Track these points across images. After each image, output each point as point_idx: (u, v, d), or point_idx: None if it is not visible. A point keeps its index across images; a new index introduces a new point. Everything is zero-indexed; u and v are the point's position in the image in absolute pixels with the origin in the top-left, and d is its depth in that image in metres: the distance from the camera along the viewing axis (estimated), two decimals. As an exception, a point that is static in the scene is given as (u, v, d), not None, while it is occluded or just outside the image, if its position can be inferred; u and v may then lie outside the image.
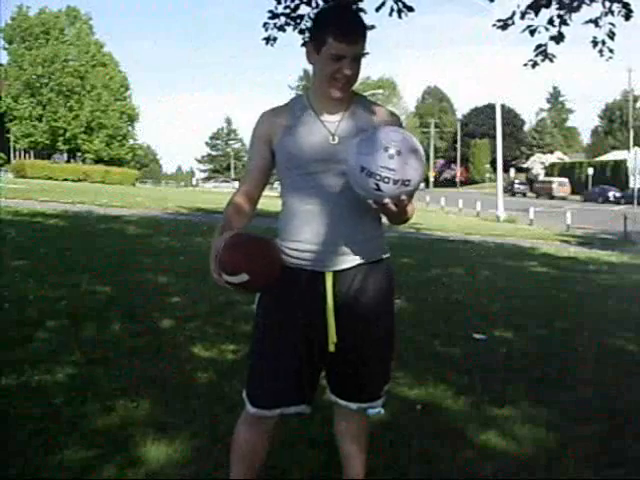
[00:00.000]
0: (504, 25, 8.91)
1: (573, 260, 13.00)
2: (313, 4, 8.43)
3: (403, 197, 2.00)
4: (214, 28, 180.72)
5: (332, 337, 2.20)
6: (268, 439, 2.34)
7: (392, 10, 8.03)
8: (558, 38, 8.62)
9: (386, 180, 1.95)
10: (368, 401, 2.36)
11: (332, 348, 2.21)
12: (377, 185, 1.96)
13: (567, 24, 8.56)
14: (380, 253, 2.29)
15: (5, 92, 51.99)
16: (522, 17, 8.65)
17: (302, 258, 2.19)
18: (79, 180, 42.73)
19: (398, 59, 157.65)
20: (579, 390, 4.16)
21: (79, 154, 57.48)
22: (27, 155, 54.36)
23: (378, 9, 8.02)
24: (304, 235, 2.19)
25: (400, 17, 8.05)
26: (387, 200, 1.99)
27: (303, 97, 2.31)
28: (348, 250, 2.20)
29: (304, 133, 2.21)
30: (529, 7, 8.53)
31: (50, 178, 40.63)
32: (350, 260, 2.20)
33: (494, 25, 9.03)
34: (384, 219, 2.24)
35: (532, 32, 8.53)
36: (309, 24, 8.57)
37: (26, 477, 2.67)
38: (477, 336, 5.43)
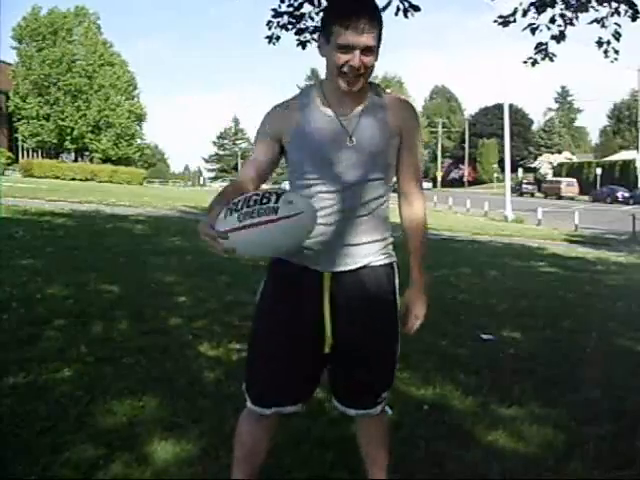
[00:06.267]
0: (505, 22, 8.89)
1: (581, 260, 12.95)
2: (315, 2, 8.41)
3: None
4: (222, 27, 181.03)
5: (328, 339, 2.16)
6: (271, 437, 2.32)
7: (398, 10, 8.01)
8: (559, 37, 8.62)
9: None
10: (365, 407, 2.31)
11: (327, 349, 2.17)
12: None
13: (573, 24, 8.55)
14: (384, 257, 2.24)
15: (13, 92, 52.15)
16: (524, 15, 8.64)
17: (304, 256, 2.16)
18: (87, 179, 42.82)
19: (406, 58, 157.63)
20: (587, 390, 4.14)
21: (87, 153, 57.59)
22: (35, 154, 54.51)
23: (384, 9, 7.99)
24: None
25: (406, 17, 8.02)
26: None
27: (314, 89, 2.19)
28: (350, 253, 2.16)
29: (318, 134, 2.12)
30: (533, 4, 8.52)
31: (58, 177, 40.73)
32: (350, 263, 2.16)
33: (495, 22, 9.02)
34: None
35: (533, 30, 8.53)
36: (308, 23, 8.58)
37: (33, 475, 2.67)
38: (485, 336, 5.42)
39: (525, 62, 9.11)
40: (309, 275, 2.16)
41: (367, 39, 1.99)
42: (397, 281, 2.30)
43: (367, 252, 2.18)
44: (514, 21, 8.77)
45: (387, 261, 2.25)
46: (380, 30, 2.04)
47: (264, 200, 1.89)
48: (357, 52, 1.99)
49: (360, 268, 2.18)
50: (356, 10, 1.98)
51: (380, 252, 2.22)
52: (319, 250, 2.14)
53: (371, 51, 2.01)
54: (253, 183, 2.18)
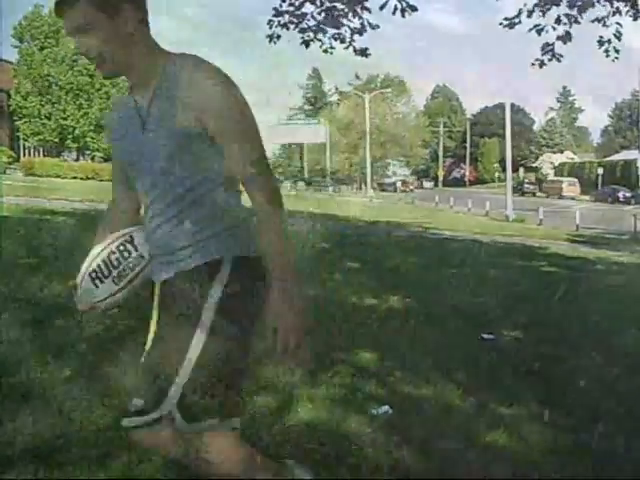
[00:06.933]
0: (511, 24, 8.92)
1: (582, 260, 12.95)
2: (317, 2, 8.43)
3: None
4: (223, 26, 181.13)
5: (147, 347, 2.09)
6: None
7: (395, 9, 8.03)
8: (565, 37, 8.63)
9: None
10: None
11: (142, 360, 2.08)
12: None
13: (578, 22, 8.57)
14: (209, 256, 1.87)
15: (15, 90, 52.16)
16: (529, 15, 8.67)
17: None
18: (88, 178, 42.81)
19: (406, 58, 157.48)
20: (587, 391, 4.13)
21: (88, 152, 57.59)
22: (36, 153, 54.51)
23: (382, 8, 8.04)
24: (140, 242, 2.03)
25: (403, 16, 8.06)
26: None
27: None
28: (167, 259, 1.92)
29: (123, 129, 1.92)
30: (537, 5, 8.54)
31: (59, 176, 40.74)
32: (169, 269, 1.93)
33: (501, 24, 9.05)
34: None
35: (539, 31, 8.56)
36: (311, 23, 8.61)
37: (33, 475, 2.66)
38: (485, 336, 5.41)
39: (533, 64, 9.14)
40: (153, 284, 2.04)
41: (71, 20, 1.75)
42: (221, 283, 1.87)
43: (184, 255, 1.89)
44: (519, 22, 8.80)
45: (202, 261, 1.88)
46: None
47: (125, 254, 1.97)
48: (77, 37, 1.78)
49: (180, 273, 1.90)
50: None
51: (202, 252, 1.88)
52: (149, 257, 2.02)
53: (85, 30, 1.75)
54: (130, 213, 2.11)
